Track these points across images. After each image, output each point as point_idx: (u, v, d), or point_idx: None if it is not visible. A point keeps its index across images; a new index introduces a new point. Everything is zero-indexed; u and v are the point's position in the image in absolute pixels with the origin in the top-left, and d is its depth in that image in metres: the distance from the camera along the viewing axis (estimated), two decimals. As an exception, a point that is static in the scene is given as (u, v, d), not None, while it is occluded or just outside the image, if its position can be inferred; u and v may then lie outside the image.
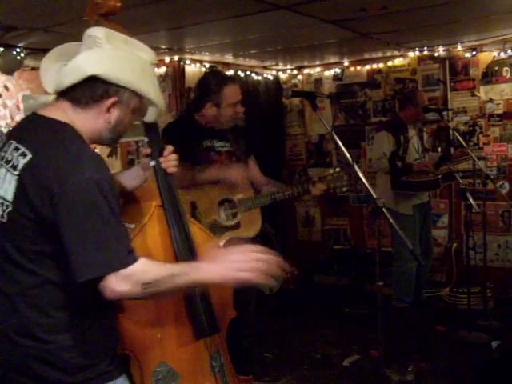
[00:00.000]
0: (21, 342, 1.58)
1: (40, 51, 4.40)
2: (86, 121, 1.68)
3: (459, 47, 5.72)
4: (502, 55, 5.56)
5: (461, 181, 4.77)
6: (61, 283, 1.58)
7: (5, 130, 4.79)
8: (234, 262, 1.63)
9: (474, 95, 5.78)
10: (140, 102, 1.74)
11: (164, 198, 2.00)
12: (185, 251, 1.96)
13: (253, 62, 6.24)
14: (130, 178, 2.04)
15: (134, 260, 1.56)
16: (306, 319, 5.25)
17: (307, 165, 6.97)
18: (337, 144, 2.60)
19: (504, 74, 5.59)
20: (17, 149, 1.61)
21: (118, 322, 1.75)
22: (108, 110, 1.68)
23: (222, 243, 3.17)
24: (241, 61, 6.03)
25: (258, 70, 6.52)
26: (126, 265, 1.54)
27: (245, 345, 3.80)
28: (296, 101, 6.93)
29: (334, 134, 2.58)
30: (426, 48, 5.82)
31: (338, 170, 3.24)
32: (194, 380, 1.98)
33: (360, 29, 4.65)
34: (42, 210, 1.53)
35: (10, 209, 1.58)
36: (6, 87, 4.78)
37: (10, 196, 1.58)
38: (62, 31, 3.87)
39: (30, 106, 4.92)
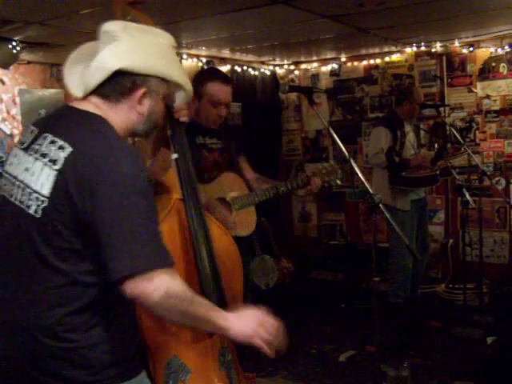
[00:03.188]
0: (44, 341, 1.55)
1: (36, 45, 4.38)
2: (120, 115, 1.66)
3: (456, 43, 5.72)
4: (499, 51, 5.56)
5: (457, 177, 4.78)
6: (88, 283, 1.55)
7: (1, 125, 4.77)
8: (251, 324, 1.60)
9: (470, 91, 5.78)
10: (168, 88, 1.73)
11: (185, 191, 1.99)
12: (202, 245, 1.96)
13: (250, 57, 6.22)
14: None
15: (173, 261, 1.53)
16: (302, 314, 5.25)
17: (304, 160, 6.97)
18: (333, 139, 2.59)
19: (501, 70, 5.59)
20: (54, 142, 1.57)
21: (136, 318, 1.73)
22: (139, 102, 1.66)
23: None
24: (238, 56, 6.01)
25: (255, 65, 6.51)
26: (169, 264, 1.51)
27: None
28: (293, 96, 6.92)
29: (330, 129, 2.58)
30: (423, 44, 5.82)
31: (332, 163, 3.21)
32: (204, 375, 1.99)
33: (357, 24, 4.64)
34: (80, 205, 1.49)
35: (45, 204, 1.53)
36: (1, 81, 4.75)
37: (46, 191, 1.53)
38: (58, 25, 3.85)
39: (26, 100, 4.90)
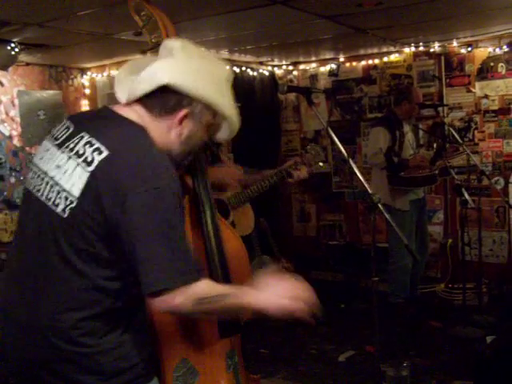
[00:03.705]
0: (58, 345, 1.53)
1: (34, 46, 4.38)
2: (158, 130, 1.62)
3: (455, 43, 5.72)
4: (498, 51, 5.56)
5: (456, 176, 4.78)
6: (110, 289, 1.54)
7: (0, 127, 4.77)
8: (285, 296, 1.60)
9: (469, 91, 5.78)
10: (213, 118, 1.69)
11: (199, 193, 1.98)
12: (214, 247, 1.95)
13: (248, 58, 6.22)
14: None
15: (201, 275, 1.52)
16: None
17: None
18: (332, 140, 2.59)
19: (499, 70, 5.60)
20: (90, 143, 1.54)
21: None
22: (180, 123, 1.63)
23: None
24: (236, 56, 6.01)
25: (253, 65, 6.51)
26: (197, 279, 1.50)
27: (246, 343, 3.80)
28: (291, 97, 6.93)
29: (329, 129, 2.57)
30: (421, 44, 5.82)
31: (312, 145, 3.18)
32: (212, 378, 1.99)
33: (355, 24, 4.64)
34: (109, 211, 1.46)
35: (73, 205, 1.51)
36: (0, 83, 4.76)
37: (76, 191, 1.51)
38: (56, 26, 3.85)
39: (24, 101, 4.91)
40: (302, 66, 6.84)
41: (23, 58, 4.54)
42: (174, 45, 1.65)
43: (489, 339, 4.24)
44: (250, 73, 6.46)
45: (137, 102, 1.62)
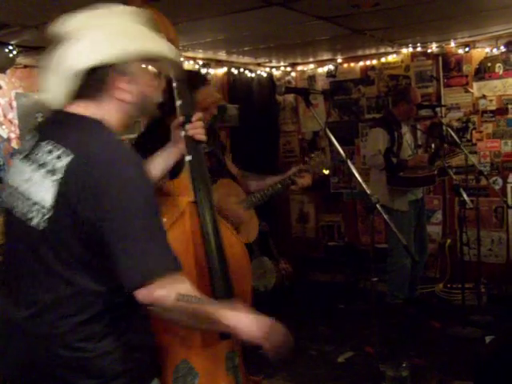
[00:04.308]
0: (56, 351, 1.52)
1: (33, 49, 4.38)
2: (111, 111, 1.60)
3: (452, 43, 5.73)
4: (495, 51, 5.57)
5: (454, 177, 4.79)
6: (99, 292, 1.52)
7: (-2, 129, 4.77)
8: (263, 327, 1.60)
9: (467, 91, 5.79)
10: (149, 63, 1.64)
11: (198, 194, 1.95)
12: (215, 249, 1.93)
13: (246, 59, 6.23)
14: (163, 157, 1.99)
15: (181, 265, 1.51)
16: (301, 316, 5.26)
17: (301, 162, 6.95)
18: (330, 141, 2.60)
19: (497, 70, 5.61)
20: (52, 151, 1.52)
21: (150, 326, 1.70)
22: (124, 90, 1.59)
23: None
24: (234, 58, 6.01)
25: (251, 67, 6.51)
26: (178, 269, 1.50)
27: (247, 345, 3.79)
28: (290, 98, 6.93)
29: (327, 130, 2.58)
30: (419, 44, 5.83)
31: (317, 153, 3.20)
32: (212, 379, 1.99)
33: (353, 25, 4.65)
34: (85, 213, 1.44)
35: (48, 215, 1.49)
36: (-2, 85, 4.75)
37: (48, 202, 1.48)
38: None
39: (23, 104, 4.90)
40: (299, 67, 6.84)
41: (21, 60, 4.53)
42: (71, 27, 1.58)
43: (488, 339, 4.25)
44: (248, 74, 6.46)
45: (76, 98, 1.59)
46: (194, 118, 1.98)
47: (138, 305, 1.53)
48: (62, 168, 1.48)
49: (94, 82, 1.56)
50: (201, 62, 5.78)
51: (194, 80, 3.23)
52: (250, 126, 6.29)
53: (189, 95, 2.03)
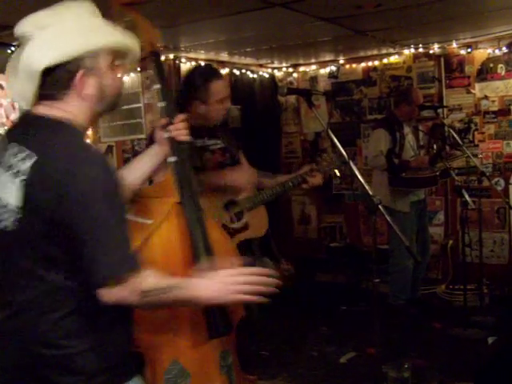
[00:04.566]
0: (37, 351, 1.53)
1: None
2: (74, 108, 1.60)
3: (454, 44, 5.73)
4: (497, 52, 5.57)
5: (456, 178, 4.78)
6: (74, 288, 1.53)
7: (0, 130, 4.77)
8: (230, 283, 1.62)
9: (469, 92, 5.79)
10: (110, 56, 1.62)
11: (183, 195, 1.95)
12: (202, 250, 1.92)
13: (248, 60, 6.23)
14: (147, 159, 1.99)
15: (138, 264, 1.53)
16: (303, 317, 5.26)
17: (303, 163, 6.96)
18: (333, 142, 2.59)
19: (499, 71, 5.60)
20: (18, 152, 1.54)
21: (133, 321, 1.71)
22: (84, 86, 1.58)
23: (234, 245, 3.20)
24: (236, 59, 6.02)
25: (253, 68, 6.52)
26: (139, 265, 1.51)
27: (251, 345, 3.81)
28: (291, 99, 6.93)
29: (329, 131, 2.58)
30: (421, 45, 5.83)
31: (328, 154, 3.24)
32: (204, 379, 1.98)
33: (355, 26, 4.65)
34: (51, 212, 1.46)
35: (17, 216, 1.51)
36: (1, 86, 4.76)
37: (16, 203, 1.51)
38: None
39: (24, 104, 4.91)
40: (301, 68, 6.85)
41: (23, 61, 4.55)
42: (24, 28, 1.60)
43: (490, 340, 4.25)
44: (250, 75, 6.47)
45: (40, 99, 1.60)
46: (176, 120, 1.98)
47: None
48: (26, 170, 1.50)
49: (55, 81, 1.56)
50: (203, 63, 5.79)
51: (208, 73, 3.28)
52: (252, 127, 6.29)
53: (172, 97, 2.04)
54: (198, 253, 1.91)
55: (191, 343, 1.95)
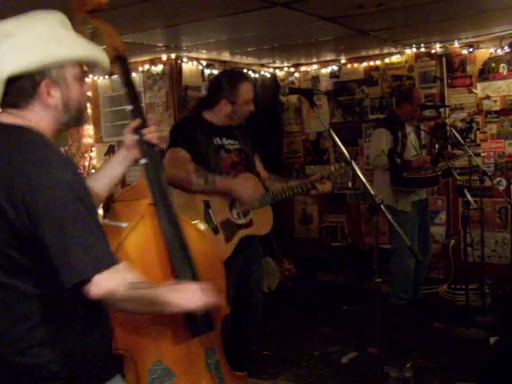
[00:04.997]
0: (10, 360, 1.51)
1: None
2: (38, 117, 1.58)
3: (456, 44, 5.73)
4: (499, 52, 5.56)
5: (458, 177, 4.78)
6: (45, 295, 1.52)
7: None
8: (195, 293, 1.72)
9: (470, 92, 5.78)
10: (76, 67, 1.61)
11: (155, 196, 1.94)
12: (178, 249, 1.92)
13: (250, 60, 6.23)
14: (115, 163, 1.97)
15: (118, 260, 1.53)
16: (304, 317, 5.26)
17: (305, 162, 6.97)
18: (334, 141, 2.59)
19: (501, 70, 5.59)
20: None
21: (111, 323, 1.70)
22: (48, 96, 1.57)
23: (235, 240, 3.25)
24: (237, 58, 6.02)
25: (254, 67, 6.52)
26: (114, 262, 1.51)
27: (251, 345, 3.83)
28: (293, 98, 6.93)
29: (331, 131, 2.58)
30: (422, 45, 5.82)
31: (342, 165, 3.30)
32: (190, 378, 1.97)
33: (357, 26, 4.65)
34: (17, 221, 1.45)
35: None
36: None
37: None
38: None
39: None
40: (303, 68, 6.85)
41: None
42: None
43: (492, 340, 4.25)
44: (252, 75, 6.46)
45: (4, 106, 1.59)
46: (150, 122, 1.97)
47: (90, 306, 1.54)
48: None
49: (19, 89, 1.55)
50: (204, 63, 5.80)
51: (237, 74, 3.40)
52: (254, 127, 6.28)
53: (138, 100, 2.03)
54: (173, 253, 1.92)
55: (173, 342, 1.94)
